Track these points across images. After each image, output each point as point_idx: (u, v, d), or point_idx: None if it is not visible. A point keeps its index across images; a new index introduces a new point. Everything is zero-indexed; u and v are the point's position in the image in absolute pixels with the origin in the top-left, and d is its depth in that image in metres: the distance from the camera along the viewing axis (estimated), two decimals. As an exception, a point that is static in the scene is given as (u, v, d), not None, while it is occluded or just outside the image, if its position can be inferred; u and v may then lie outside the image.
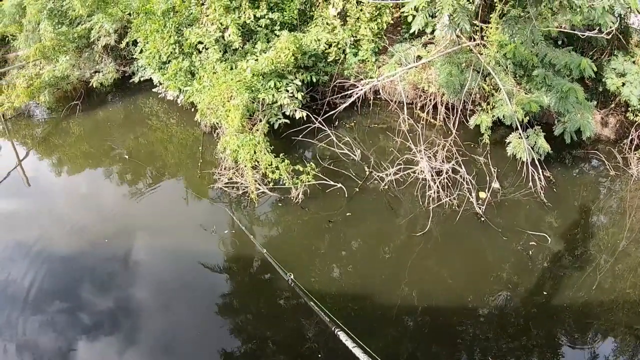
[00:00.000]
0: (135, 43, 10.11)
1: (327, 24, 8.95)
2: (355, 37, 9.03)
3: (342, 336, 3.58)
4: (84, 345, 5.42)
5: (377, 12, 8.62)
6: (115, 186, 8.34)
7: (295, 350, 5.19)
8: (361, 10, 8.61)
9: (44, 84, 10.42)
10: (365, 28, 8.65)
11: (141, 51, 9.81)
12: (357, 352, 3.08)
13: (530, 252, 6.37)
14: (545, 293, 5.83)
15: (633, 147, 8.02)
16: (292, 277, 5.34)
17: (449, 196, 7.14)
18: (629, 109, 7.94)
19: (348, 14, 8.83)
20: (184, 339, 5.28)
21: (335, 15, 8.73)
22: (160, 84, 9.35)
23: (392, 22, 8.85)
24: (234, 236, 6.58)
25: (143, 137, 9.41)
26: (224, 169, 7.22)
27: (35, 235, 7.06)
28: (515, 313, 5.65)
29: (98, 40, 10.55)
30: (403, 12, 8.35)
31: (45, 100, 10.54)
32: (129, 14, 10.44)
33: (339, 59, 9.02)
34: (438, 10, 4.94)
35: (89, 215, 7.39)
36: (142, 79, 9.99)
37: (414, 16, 7.13)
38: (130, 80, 10.18)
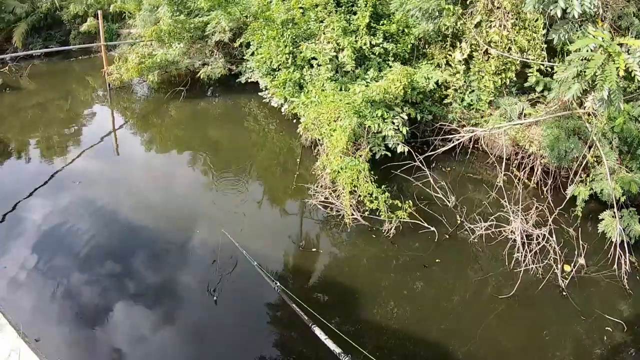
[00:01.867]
0: (247, 45, 10.45)
1: (450, 65, 8.91)
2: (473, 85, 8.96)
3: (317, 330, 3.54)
4: (119, 307, 5.68)
5: (503, 66, 8.50)
6: (198, 175, 8.60)
7: None
8: (487, 60, 8.52)
9: (155, 65, 10.95)
10: (489, 80, 8.54)
11: (253, 54, 10.12)
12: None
13: (605, 338, 6.05)
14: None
15: None
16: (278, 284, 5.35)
17: (536, 263, 6.90)
18: None
19: (474, 61, 8.79)
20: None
21: (460, 60, 8.70)
22: (267, 89, 9.57)
23: (515, 78, 8.70)
24: (321, 256, 6.59)
25: (237, 135, 9.65)
26: (321, 186, 7.26)
27: (110, 201, 7.55)
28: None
29: (212, 35, 11.00)
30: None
31: (153, 79, 11.05)
32: (246, 17, 10.83)
33: (446, 101, 8.98)
34: (598, 83, 4.81)
35: (168, 198, 7.75)
36: (248, 80, 10.28)
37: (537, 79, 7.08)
38: (236, 80, 10.48)
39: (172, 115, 10.67)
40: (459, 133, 8.76)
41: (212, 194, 7.96)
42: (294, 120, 8.94)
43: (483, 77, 8.63)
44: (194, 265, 6.36)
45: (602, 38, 4.87)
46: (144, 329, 5.47)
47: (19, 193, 7.92)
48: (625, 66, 4.99)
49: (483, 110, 9.07)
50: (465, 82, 8.81)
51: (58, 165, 9.01)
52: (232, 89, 11.02)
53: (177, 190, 8.12)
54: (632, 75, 5.08)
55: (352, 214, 6.70)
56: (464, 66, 8.82)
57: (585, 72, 4.91)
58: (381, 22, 9.34)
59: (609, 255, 7.01)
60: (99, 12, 12.49)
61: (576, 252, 7.14)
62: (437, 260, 6.66)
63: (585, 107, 7.19)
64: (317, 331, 3.62)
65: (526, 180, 8.90)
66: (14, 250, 6.62)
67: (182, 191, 8.09)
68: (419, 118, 8.68)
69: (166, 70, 11.21)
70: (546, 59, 8.08)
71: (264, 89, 9.76)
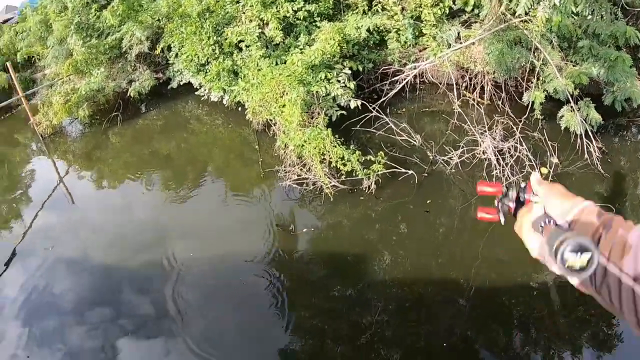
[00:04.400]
0: (169, 48, 10.00)
1: (385, 9, 8.78)
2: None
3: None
4: (123, 346, 5.52)
5: None
6: (160, 194, 8.24)
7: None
8: None
9: (82, 98, 10.34)
10: (429, 14, 8.41)
11: (177, 55, 9.70)
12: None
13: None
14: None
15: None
16: None
17: (515, 174, 7.01)
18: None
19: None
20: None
21: (394, 2, 8.55)
22: (202, 86, 9.22)
23: (453, 6, 8.61)
24: (314, 233, 6.45)
25: (186, 142, 9.30)
26: (289, 165, 7.07)
27: (81, 251, 7.20)
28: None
29: (130, 49, 10.45)
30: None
31: (85, 114, 10.45)
32: (158, 20, 10.34)
33: (389, 46, 8.87)
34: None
35: (142, 228, 7.40)
36: (180, 83, 9.88)
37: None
38: (169, 87, 10.05)
39: (114, 143, 10.16)
40: (404, 73, 8.69)
41: (179, 208, 7.66)
42: (239, 109, 8.65)
43: (422, 11, 8.51)
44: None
45: None
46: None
47: None
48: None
49: (420, 45, 9.01)
50: (405, 20, 8.67)
51: (17, 234, 8.46)
52: (167, 97, 10.57)
53: (143, 217, 7.75)
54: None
55: (330, 182, 6.56)
56: (400, 6, 8.68)
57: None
58: (296, -15, 9.07)
59: (577, 147, 7.29)
60: (8, 63, 11.67)
61: (548, 153, 7.31)
62: (428, 201, 6.65)
63: (520, 15, 7.25)
64: None
65: (480, 100, 8.99)
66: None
67: (148, 216, 7.73)
68: (360, 69, 8.55)
69: (94, 100, 10.60)
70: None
71: (198, 87, 9.39)
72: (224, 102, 8.95)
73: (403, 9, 8.84)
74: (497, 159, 7.20)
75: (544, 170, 7.24)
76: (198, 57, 9.01)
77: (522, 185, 1.18)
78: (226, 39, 8.75)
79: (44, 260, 7.40)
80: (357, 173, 6.52)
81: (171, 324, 5.56)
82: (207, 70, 9.00)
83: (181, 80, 9.95)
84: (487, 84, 8.92)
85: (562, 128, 7.51)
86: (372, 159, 6.67)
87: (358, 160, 6.50)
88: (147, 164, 9.08)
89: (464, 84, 9.14)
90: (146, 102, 10.89)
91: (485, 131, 7.69)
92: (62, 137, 11.65)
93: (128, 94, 10.39)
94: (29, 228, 8.53)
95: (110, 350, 5.51)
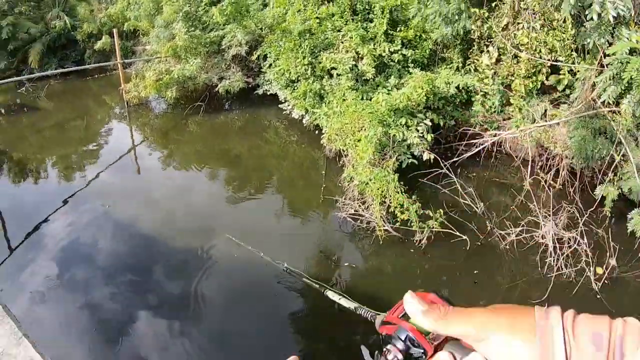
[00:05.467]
0: (265, 57, 10.47)
1: (477, 70, 8.84)
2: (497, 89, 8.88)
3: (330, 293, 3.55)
4: (139, 317, 5.79)
5: (534, 69, 8.34)
6: (220, 190, 8.62)
7: None
8: (517, 64, 8.40)
9: (173, 81, 11.00)
10: (520, 84, 8.42)
11: (270, 66, 10.13)
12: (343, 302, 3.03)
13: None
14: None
15: None
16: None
17: (568, 267, 6.82)
18: None
19: (502, 65, 8.66)
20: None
21: (488, 65, 8.62)
22: (286, 101, 9.57)
23: (546, 81, 8.57)
24: (355, 270, 6.54)
25: (258, 149, 9.66)
26: (349, 198, 7.22)
27: (131, 220, 7.64)
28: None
29: (229, 48, 11.03)
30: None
31: (171, 96, 11.11)
32: (262, 29, 10.86)
33: (474, 108, 8.91)
34: (635, 85, 4.75)
35: (194, 214, 7.78)
36: (267, 92, 10.29)
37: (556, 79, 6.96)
38: (255, 92, 10.48)
39: (191, 131, 10.71)
40: (482, 137, 8.67)
41: (234, 208, 7.97)
42: (316, 132, 8.92)
43: (514, 80, 8.51)
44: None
45: (638, 41, 4.81)
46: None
47: (39, 213, 8.02)
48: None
49: (505, 114, 8.98)
50: (494, 85, 8.68)
51: (78, 185, 9.08)
52: (251, 101, 11.04)
53: (197, 205, 8.14)
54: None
55: (384, 226, 6.65)
56: (492, 70, 8.71)
57: (622, 75, 4.84)
58: (398, 28, 9.32)
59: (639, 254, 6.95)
60: (114, 30, 12.60)
61: (607, 253, 7.05)
62: (475, 272, 6.60)
63: (611, 106, 7.12)
64: (330, 294, 3.64)
65: (552, 182, 8.81)
66: (38, 266, 6.72)
67: (203, 206, 8.10)
68: (441, 124, 8.62)
69: (184, 85, 11.26)
70: (577, 61, 7.97)
71: (283, 101, 9.75)
72: (304, 121, 9.25)
73: (495, 73, 8.86)
74: (555, 247, 7.03)
75: (599, 270, 6.97)
76: (290, 72, 9.39)
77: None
78: (320, 62, 9.07)
79: (98, 215, 7.95)
80: (412, 224, 6.57)
81: (192, 311, 5.80)
82: (295, 87, 9.35)
83: (268, 90, 10.37)
84: (563, 168, 8.72)
85: (629, 231, 7.23)
86: (431, 214, 6.68)
87: (416, 211, 6.55)
88: (216, 158, 9.50)
89: (540, 163, 8.97)
90: (231, 101, 11.42)
91: (549, 215, 7.52)
92: (145, 110, 12.41)
93: (216, 89, 10.96)
94: (93, 179, 9.13)
95: (127, 316, 5.83)
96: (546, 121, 8.63)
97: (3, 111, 14.96)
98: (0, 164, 10.49)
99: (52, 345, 5.27)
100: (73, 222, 7.74)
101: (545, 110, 8.86)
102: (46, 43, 17.04)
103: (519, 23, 8.36)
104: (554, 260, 6.84)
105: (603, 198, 7.45)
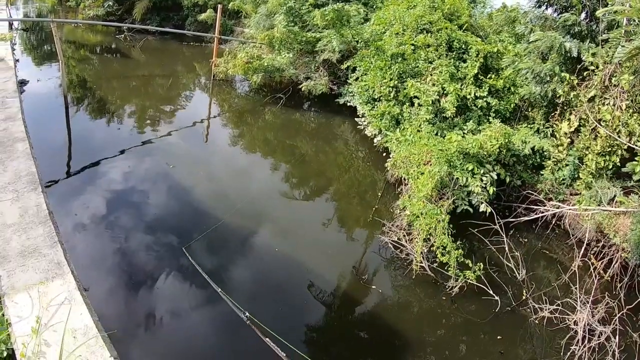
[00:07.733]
0: (353, 69, 10.72)
1: (554, 135, 8.73)
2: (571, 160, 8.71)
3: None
4: (165, 278, 6.16)
5: (610, 148, 8.14)
6: (277, 182, 8.94)
7: None
8: (595, 139, 8.23)
9: (262, 68, 11.48)
10: (592, 160, 8.24)
11: (357, 79, 10.36)
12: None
13: None
14: None
15: None
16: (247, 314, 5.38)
17: (590, 361, 6.57)
18: None
19: (580, 136, 8.52)
20: None
21: (566, 133, 8.49)
22: (364, 116, 9.76)
23: (621, 167, 8.33)
24: (382, 296, 6.63)
25: (324, 155, 9.89)
26: (396, 226, 7.31)
27: (191, 185, 8.11)
28: None
29: (321, 52, 11.37)
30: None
31: (256, 81, 11.60)
32: (357, 42, 11.12)
33: (544, 173, 8.77)
34: None
35: (247, 198, 8.10)
36: (347, 103, 10.52)
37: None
38: (335, 100, 10.73)
39: (266, 119, 11.11)
40: (544, 205, 8.49)
41: (286, 203, 8.24)
42: (384, 154, 9.05)
43: (587, 155, 8.32)
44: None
45: None
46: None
47: (104, 152, 8.66)
48: None
49: (574, 188, 8.76)
50: (568, 155, 8.52)
51: (147, 137, 9.64)
52: (330, 108, 11.31)
53: (252, 190, 8.52)
54: None
55: (421, 262, 6.70)
56: (569, 139, 8.56)
57: None
58: (489, 75, 9.31)
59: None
60: (219, 5, 13.27)
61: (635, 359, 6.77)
62: (498, 337, 6.50)
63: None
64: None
65: (602, 272, 8.50)
66: (88, 200, 7.31)
67: (258, 193, 8.46)
68: (507, 181, 8.52)
69: (270, 75, 11.72)
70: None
71: (360, 116, 9.94)
72: (375, 140, 9.40)
73: (571, 142, 8.68)
74: (584, 337, 6.80)
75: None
76: (374, 90, 9.58)
77: None
78: (405, 88, 9.21)
79: (159, 172, 8.47)
80: (449, 268, 6.58)
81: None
82: (375, 106, 9.53)
83: (349, 101, 10.61)
84: (617, 260, 8.40)
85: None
86: (470, 265, 6.68)
87: (457, 258, 6.56)
88: (282, 151, 9.82)
89: (595, 248, 8.70)
90: (310, 102, 11.75)
91: (587, 303, 7.30)
92: (229, 87, 12.98)
93: (300, 87, 11.31)
94: (163, 136, 9.68)
95: (157, 272, 6.22)
96: (612, 207, 8.35)
97: (98, 50, 16.06)
98: (83, 97, 11.30)
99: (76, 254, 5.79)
100: (132, 171, 8.29)
101: (615, 196, 8.58)
102: (153, 1, 18.09)
103: (605, 98, 8.18)
104: (579, 350, 6.63)
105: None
